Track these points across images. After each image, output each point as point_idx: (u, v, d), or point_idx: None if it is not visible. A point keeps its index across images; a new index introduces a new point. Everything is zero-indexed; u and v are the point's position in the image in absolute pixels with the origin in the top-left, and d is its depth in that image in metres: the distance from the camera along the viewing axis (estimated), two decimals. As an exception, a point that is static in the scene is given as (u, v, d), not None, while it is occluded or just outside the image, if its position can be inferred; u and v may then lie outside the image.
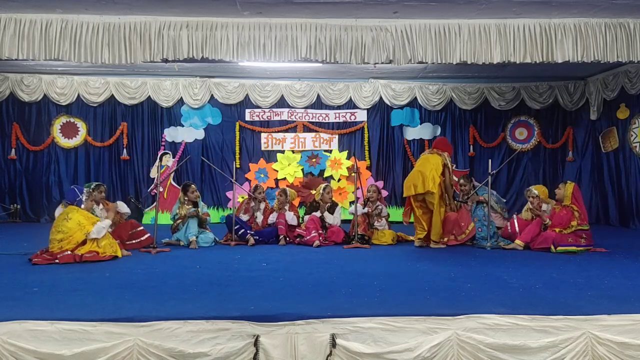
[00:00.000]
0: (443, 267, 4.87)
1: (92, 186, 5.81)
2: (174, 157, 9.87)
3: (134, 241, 5.99)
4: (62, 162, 9.74)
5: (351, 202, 7.93)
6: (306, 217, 6.84)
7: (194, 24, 6.22)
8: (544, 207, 6.38)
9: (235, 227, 6.60)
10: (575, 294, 3.67)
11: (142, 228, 6.19)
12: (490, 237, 6.29)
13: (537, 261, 5.23)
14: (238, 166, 9.70)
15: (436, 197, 6.20)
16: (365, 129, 10.06)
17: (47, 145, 9.69)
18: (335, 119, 10.05)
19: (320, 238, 6.49)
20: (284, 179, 9.87)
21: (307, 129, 10.06)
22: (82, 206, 5.30)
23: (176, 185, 9.53)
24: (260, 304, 3.32)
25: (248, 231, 6.63)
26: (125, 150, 9.80)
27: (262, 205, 6.98)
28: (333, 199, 7.13)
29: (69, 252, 4.96)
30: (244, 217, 6.84)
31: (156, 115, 9.92)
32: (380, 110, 10.12)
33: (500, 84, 9.90)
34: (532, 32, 6.27)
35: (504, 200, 6.77)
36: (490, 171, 6.52)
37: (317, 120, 10.05)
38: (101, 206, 5.88)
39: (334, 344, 2.94)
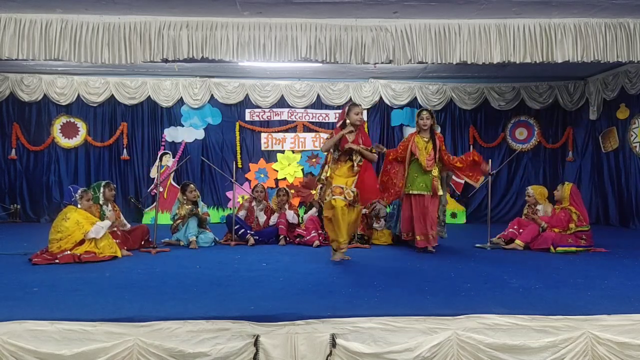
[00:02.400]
0: (443, 267, 4.86)
1: (103, 184, 5.78)
2: (174, 157, 9.87)
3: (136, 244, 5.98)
4: (62, 162, 9.75)
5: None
6: (306, 217, 6.83)
7: (194, 24, 6.22)
8: (539, 207, 6.38)
9: (235, 227, 6.60)
10: (575, 294, 3.67)
11: (151, 239, 6.07)
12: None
13: (537, 261, 5.22)
14: (240, 166, 9.71)
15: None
16: (366, 129, 10.04)
17: (47, 145, 9.69)
18: (335, 119, 10.03)
19: (320, 238, 6.48)
20: (284, 179, 9.87)
21: (307, 129, 10.06)
22: (79, 206, 5.28)
23: (176, 185, 9.51)
24: (260, 304, 3.31)
25: (248, 231, 6.62)
26: (125, 150, 9.81)
27: (263, 205, 6.96)
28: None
29: (69, 252, 4.95)
30: (241, 213, 6.83)
31: (156, 115, 9.93)
32: (380, 110, 10.13)
33: (500, 84, 9.90)
34: (532, 32, 6.28)
35: None
36: (490, 171, 6.52)
37: (317, 120, 10.06)
38: (110, 206, 5.82)
39: (334, 344, 2.94)
